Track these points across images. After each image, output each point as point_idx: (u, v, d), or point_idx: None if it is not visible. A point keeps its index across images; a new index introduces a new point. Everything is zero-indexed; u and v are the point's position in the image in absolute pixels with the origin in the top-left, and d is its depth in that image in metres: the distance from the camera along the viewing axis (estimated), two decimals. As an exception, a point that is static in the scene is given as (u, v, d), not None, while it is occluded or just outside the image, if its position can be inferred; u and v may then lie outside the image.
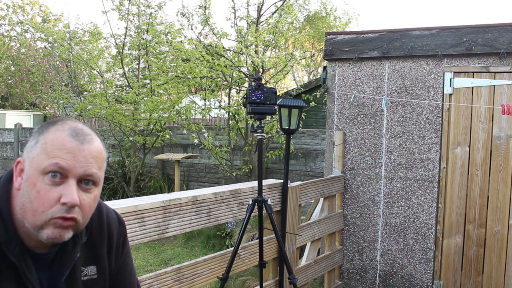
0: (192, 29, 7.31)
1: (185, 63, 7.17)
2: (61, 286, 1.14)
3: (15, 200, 1.09)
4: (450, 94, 4.05)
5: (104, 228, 1.25)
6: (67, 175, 1.06)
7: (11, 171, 1.14)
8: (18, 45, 17.05)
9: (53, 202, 1.05)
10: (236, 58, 6.65)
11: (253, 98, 2.65)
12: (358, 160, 4.41)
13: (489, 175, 3.95)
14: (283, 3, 7.68)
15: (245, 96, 2.71)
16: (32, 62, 15.16)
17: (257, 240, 2.81)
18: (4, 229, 1.07)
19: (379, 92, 4.31)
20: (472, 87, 3.98)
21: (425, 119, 4.14)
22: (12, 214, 1.09)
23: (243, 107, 6.45)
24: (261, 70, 6.86)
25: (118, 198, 8.26)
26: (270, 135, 6.78)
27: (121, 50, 8.16)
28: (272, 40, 7.10)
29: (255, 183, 2.89)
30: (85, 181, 1.09)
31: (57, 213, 1.05)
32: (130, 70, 10.75)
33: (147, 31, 7.74)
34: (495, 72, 3.90)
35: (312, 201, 4.32)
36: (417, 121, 4.17)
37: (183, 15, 7.26)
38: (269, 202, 2.71)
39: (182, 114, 7.18)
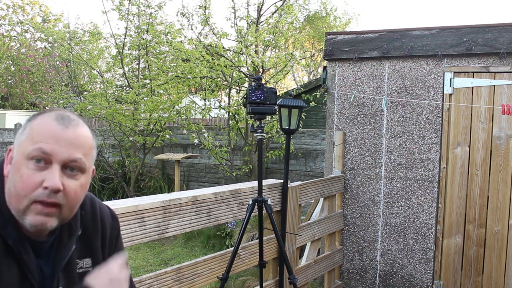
0: (192, 29, 7.32)
1: (185, 63, 7.17)
2: (59, 276, 1.14)
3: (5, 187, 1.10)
4: (450, 94, 4.05)
5: (97, 221, 1.25)
6: (51, 160, 1.05)
7: (3, 159, 1.15)
8: (18, 45, 17.06)
9: (35, 186, 1.04)
10: (236, 58, 6.65)
11: (253, 98, 2.65)
12: (358, 160, 4.41)
13: (489, 175, 3.95)
14: (283, 3, 7.68)
15: (245, 96, 2.71)
16: (32, 62, 15.17)
17: (257, 240, 2.81)
18: None
19: (379, 92, 4.31)
20: (472, 87, 3.98)
21: (425, 119, 4.14)
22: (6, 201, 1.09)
23: (243, 107, 6.45)
24: (261, 70, 6.86)
25: (118, 198, 8.26)
26: (270, 135, 6.78)
27: (121, 50, 8.16)
28: (272, 40, 7.10)
29: (255, 183, 2.89)
30: (70, 168, 1.08)
31: (38, 197, 1.04)
32: (130, 70, 10.74)
33: (147, 31, 7.74)
34: (495, 72, 3.90)
35: (312, 201, 4.32)
36: (417, 121, 4.17)
37: (183, 15, 7.27)
38: (269, 202, 2.71)
39: (182, 114, 7.19)
